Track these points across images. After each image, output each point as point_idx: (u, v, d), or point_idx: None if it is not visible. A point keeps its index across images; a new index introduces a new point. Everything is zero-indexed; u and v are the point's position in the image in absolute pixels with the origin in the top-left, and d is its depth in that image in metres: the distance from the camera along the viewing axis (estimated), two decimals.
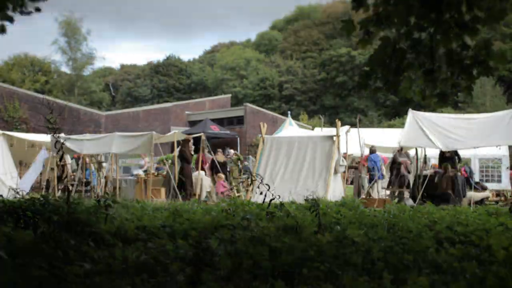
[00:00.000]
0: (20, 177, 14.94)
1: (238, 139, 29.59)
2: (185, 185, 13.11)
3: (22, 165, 15.84)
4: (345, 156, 13.33)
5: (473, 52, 3.81)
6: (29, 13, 4.23)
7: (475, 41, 3.83)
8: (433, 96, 4.15)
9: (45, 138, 14.44)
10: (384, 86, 4.05)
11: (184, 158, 13.41)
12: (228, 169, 15.15)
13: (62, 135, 15.66)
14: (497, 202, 13.07)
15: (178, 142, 15.52)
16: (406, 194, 13.65)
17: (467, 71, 3.89)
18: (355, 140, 14.18)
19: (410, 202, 11.96)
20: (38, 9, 4.23)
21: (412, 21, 3.76)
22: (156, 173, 15.12)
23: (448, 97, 4.15)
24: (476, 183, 13.34)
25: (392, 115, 43.61)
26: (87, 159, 15.42)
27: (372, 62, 3.93)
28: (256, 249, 4.18)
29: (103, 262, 3.71)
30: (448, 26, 3.65)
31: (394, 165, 13.13)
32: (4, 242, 4.10)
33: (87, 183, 15.36)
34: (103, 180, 14.96)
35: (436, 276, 3.58)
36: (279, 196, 5.49)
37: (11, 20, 4.23)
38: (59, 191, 13.83)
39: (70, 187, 14.74)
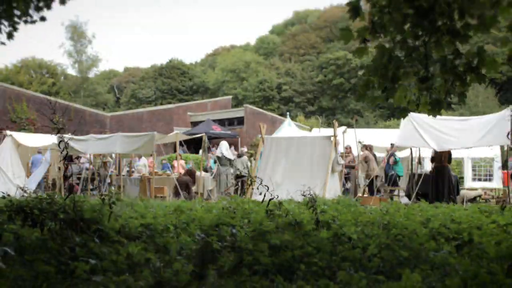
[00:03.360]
0: (28, 177, 14.96)
1: (239, 139, 29.61)
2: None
3: (29, 165, 15.86)
4: (342, 155, 13.35)
5: (465, 59, 3.81)
6: (34, 21, 4.24)
7: (468, 48, 3.84)
8: (427, 104, 4.15)
9: (51, 139, 14.45)
10: (382, 94, 4.05)
11: None
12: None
13: (69, 135, 15.71)
14: (486, 200, 13.08)
15: (180, 143, 15.54)
16: (401, 192, 13.67)
17: (460, 78, 3.89)
18: (352, 140, 14.20)
19: (405, 200, 11.97)
20: (43, 18, 4.25)
21: (406, 29, 3.77)
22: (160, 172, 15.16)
23: (442, 104, 4.16)
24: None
25: (388, 116, 43.65)
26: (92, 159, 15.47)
27: (369, 71, 3.94)
28: (256, 245, 4.19)
29: (108, 259, 3.72)
30: (441, 34, 3.66)
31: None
32: (13, 239, 4.10)
33: (92, 180, 15.39)
34: (108, 179, 15.00)
35: (430, 271, 3.58)
36: (278, 196, 5.49)
37: (15, 28, 4.25)
38: (65, 190, 13.84)
39: (76, 186, 14.81)
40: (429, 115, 4.37)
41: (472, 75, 3.86)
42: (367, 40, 3.75)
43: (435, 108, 4.17)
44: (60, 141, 4.63)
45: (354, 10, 3.67)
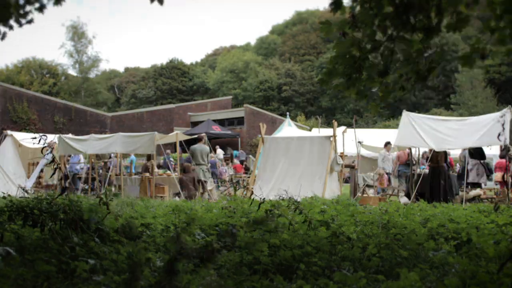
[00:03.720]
0: (28, 177, 14.96)
1: (239, 139, 29.62)
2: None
3: (30, 165, 15.86)
4: (341, 155, 13.35)
5: (429, 59, 3.83)
6: (21, 25, 4.24)
7: (435, 47, 3.86)
8: (380, 95, 4.20)
9: (53, 139, 14.43)
10: (346, 83, 4.09)
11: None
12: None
13: (70, 135, 15.71)
14: (482, 199, 13.08)
15: (180, 142, 15.55)
16: (401, 192, 13.67)
17: (421, 77, 3.92)
18: (351, 140, 14.22)
19: (404, 200, 11.97)
20: (30, 21, 4.23)
21: (376, 23, 3.79)
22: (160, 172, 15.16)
23: (388, 97, 4.21)
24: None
25: (387, 116, 43.65)
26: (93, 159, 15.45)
27: (336, 60, 3.97)
28: (256, 245, 4.19)
29: (109, 258, 3.72)
30: (413, 30, 3.68)
31: None
32: (13, 239, 4.11)
33: (93, 180, 15.38)
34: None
35: (429, 271, 3.59)
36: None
37: (11, 27, 4.25)
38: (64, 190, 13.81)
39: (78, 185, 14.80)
40: (373, 111, 4.44)
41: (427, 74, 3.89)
42: (346, 34, 3.78)
43: (383, 98, 4.23)
44: (59, 141, 4.63)
45: (335, 3, 3.70)
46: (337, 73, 4.01)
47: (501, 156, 13.52)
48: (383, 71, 3.92)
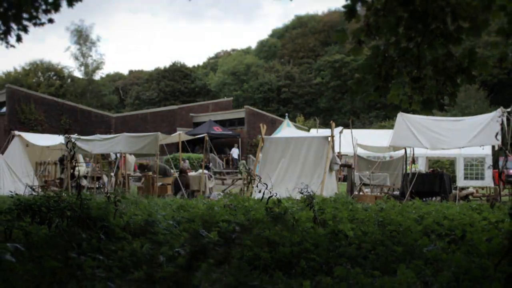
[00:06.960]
0: (36, 175, 14.96)
1: (240, 139, 29.61)
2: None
3: (38, 164, 15.85)
4: (338, 155, 13.36)
5: (457, 61, 3.82)
6: (42, 24, 4.23)
7: (459, 50, 3.84)
8: (419, 102, 4.16)
9: (58, 138, 14.41)
10: (374, 92, 4.04)
11: None
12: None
13: (75, 135, 15.68)
14: (478, 196, 13.08)
15: (183, 142, 15.54)
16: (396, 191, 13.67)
17: (451, 79, 3.90)
18: (348, 140, 14.22)
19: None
20: (51, 20, 4.23)
21: (400, 31, 3.77)
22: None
23: (434, 103, 4.17)
24: None
25: (383, 117, 43.60)
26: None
27: (363, 70, 3.94)
28: (256, 242, 4.19)
29: (113, 255, 3.72)
30: (434, 36, 3.66)
31: None
32: (22, 236, 4.11)
33: (98, 178, 15.38)
34: (113, 178, 14.98)
35: (423, 266, 3.58)
36: (276, 193, 5.50)
37: (26, 30, 4.24)
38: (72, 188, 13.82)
39: (82, 184, 14.78)
40: (421, 114, 4.40)
41: (463, 76, 3.87)
42: (362, 42, 3.75)
43: (427, 107, 4.18)
44: (68, 141, 4.63)
45: (349, 12, 3.68)
46: (366, 83, 3.97)
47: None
48: (416, 78, 3.90)
